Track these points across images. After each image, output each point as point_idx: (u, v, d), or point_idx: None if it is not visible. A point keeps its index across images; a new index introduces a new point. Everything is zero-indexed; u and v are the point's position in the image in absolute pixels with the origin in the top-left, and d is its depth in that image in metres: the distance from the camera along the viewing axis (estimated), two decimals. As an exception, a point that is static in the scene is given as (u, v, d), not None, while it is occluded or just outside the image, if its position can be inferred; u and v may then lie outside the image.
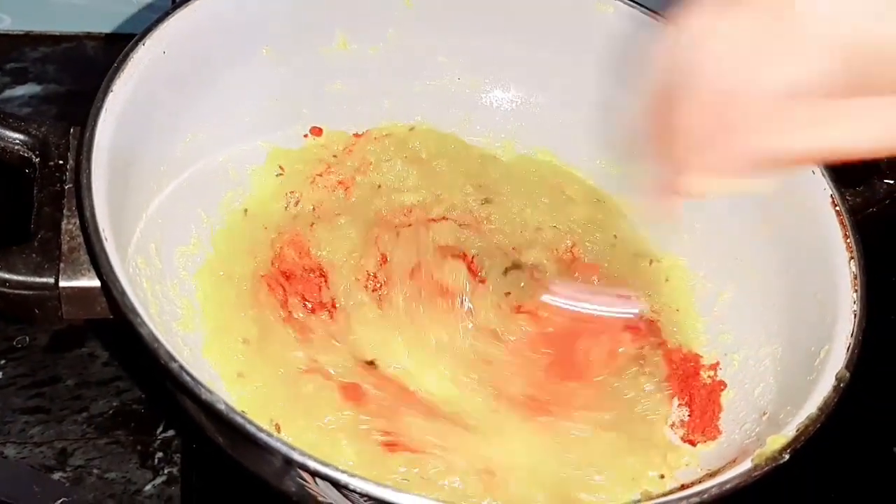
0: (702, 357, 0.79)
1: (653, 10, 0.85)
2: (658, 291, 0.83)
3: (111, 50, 0.99)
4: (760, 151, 0.51)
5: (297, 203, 0.81)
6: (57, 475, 0.73)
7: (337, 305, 0.76)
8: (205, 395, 0.54)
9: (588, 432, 0.71)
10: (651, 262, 0.85)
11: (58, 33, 1.01)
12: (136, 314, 0.56)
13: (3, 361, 0.78)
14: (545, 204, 0.86)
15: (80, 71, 0.98)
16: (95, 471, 0.74)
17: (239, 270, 0.75)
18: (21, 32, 1.00)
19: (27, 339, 0.80)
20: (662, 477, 0.70)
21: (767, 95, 0.49)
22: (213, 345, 0.70)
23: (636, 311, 0.76)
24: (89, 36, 1.01)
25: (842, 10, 0.47)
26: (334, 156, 0.85)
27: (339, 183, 0.83)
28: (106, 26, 1.01)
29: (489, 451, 0.69)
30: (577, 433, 0.71)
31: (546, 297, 0.75)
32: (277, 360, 0.71)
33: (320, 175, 0.83)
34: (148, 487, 0.74)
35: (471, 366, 0.74)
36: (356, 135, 0.87)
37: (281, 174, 0.82)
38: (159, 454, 0.76)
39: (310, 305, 0.75)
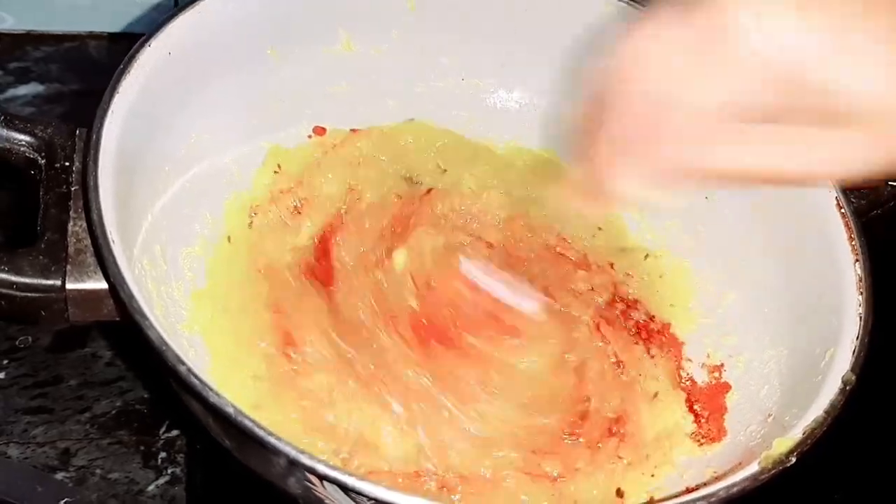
0: (684, 343, 0.80)
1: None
2: (650, 285, 0.84)
3: (114, 50, 1.00)
4: (682, 163, 0.53)
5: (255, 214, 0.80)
6: (60, 475, 0.73)
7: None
8: (213, 399, 0.54)
9: None
10: (647, 256, 0.85)
11: (60, 33, 1.01)
12: (144, 317, 0.56)
13: (5, 361, 0.78)
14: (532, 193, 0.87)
15: (83, 71, 0.98)
16: (98, 471, 0.74)
17: (236, 303, 0.73)
18: (23, 32, 1.00)
19: (29, 338, 0.80)
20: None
21: (697, 111, 0.51)
22: (222, 378, 0.68)
23: (535, 308, 0.76)
24: (92, 35, 1.01)
25: (782, 42, 0.48)
26: (325, 152, 0.85)
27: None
28: (109, 26, 1.01)
29: None
30: None
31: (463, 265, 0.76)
32: (293, 394, 0.69)
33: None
34: (151, 487, 0.74)
35: None
36: (353, 130, 0.86)
37: (278, 172, 0.82)
38: (162, 454, 0.76)
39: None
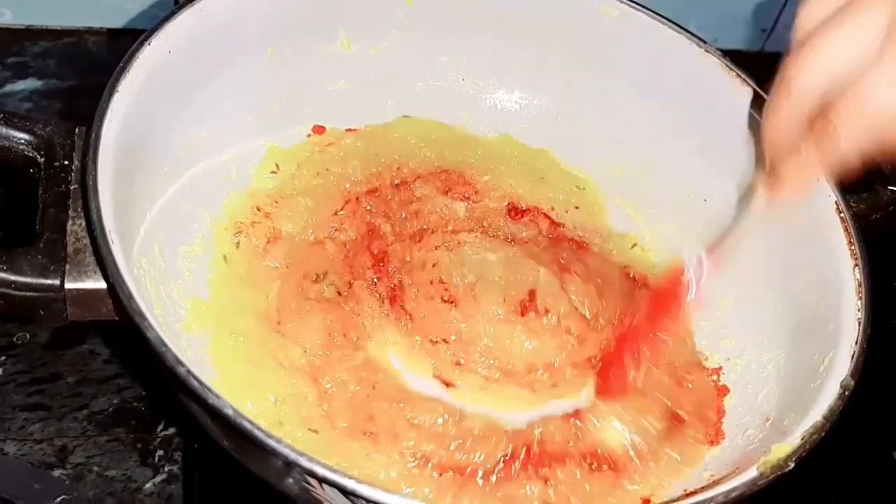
0: None
1: (656, 12, 0.85)
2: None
3: (113, 45, 1.00)
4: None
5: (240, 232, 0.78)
6: (57, 472, 0.73)
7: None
8: (212, 400, 0.54)
9: None
10: (634, 245, 0.86)
11: (59, 28, 1.01)
12: (143, 317, 0.55)
13: (3, 358, 0.78)
14: (518, 178, 0.87)
15: (81, 66, 0.98)
16: (95, 468, 0.74)
17: (242, 326, 0.72)
18: (22, 27, 1.00)
19: (27, 335, 0.80)
20: None
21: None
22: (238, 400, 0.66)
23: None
24: (90, 31, 1.01)
25: None
26: (319, 151, 0.84)
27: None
28: (107, 21, 1.01)
29: None
30: None
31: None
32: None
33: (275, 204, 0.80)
34: (148, 485, 0.74)
35: None
36: (349, 129, 0.86)
37: (276, 172, 0.81)
38: (160, 452, 0.76)
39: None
